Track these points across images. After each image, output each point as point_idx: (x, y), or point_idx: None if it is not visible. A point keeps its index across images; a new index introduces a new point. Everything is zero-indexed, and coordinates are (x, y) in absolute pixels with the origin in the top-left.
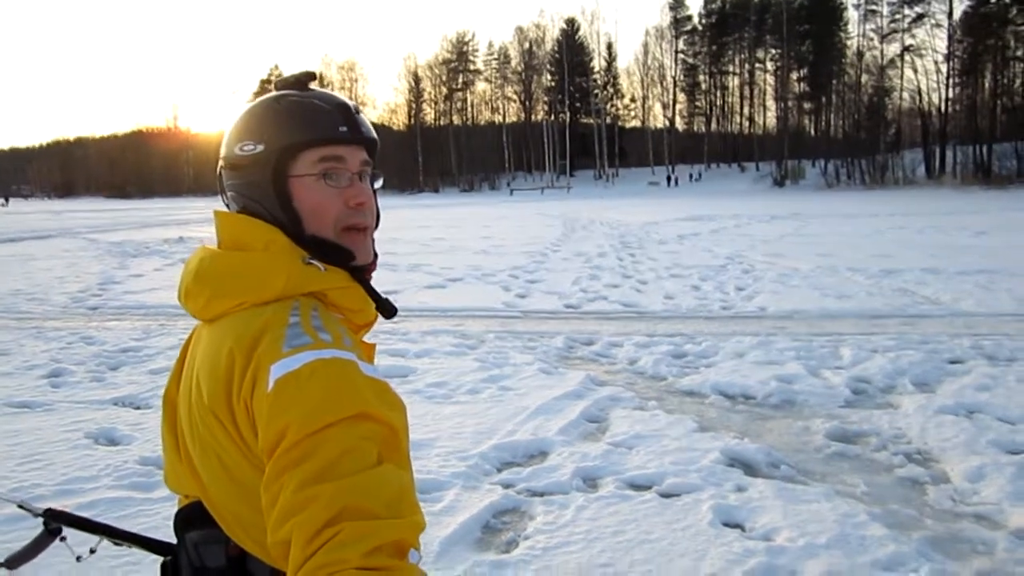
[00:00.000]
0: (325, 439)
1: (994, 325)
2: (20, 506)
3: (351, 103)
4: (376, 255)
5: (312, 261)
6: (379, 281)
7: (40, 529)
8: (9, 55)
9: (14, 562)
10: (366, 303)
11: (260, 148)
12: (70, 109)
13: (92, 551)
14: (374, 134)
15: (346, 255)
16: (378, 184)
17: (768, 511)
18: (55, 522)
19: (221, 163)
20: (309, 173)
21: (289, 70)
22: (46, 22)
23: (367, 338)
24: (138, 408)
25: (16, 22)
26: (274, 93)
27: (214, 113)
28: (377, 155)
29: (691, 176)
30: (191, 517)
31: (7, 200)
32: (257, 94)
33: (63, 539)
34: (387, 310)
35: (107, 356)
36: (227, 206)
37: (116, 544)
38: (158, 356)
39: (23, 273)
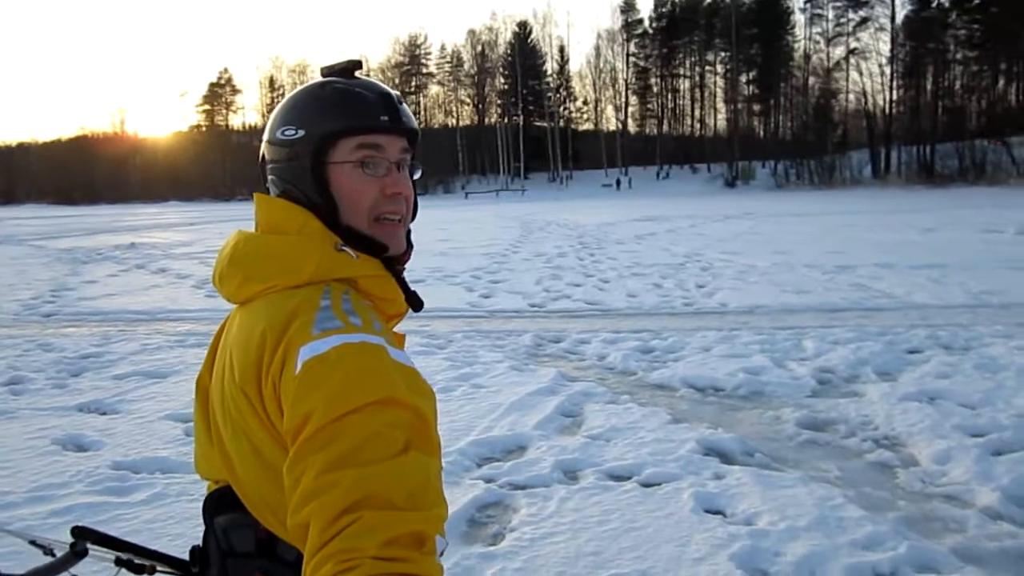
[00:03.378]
0: (350, 424)
1: (948, 316)
2: (32, 543)
3: (395, 93)
4: (411, 245)
5: (344, 248)
6: None
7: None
8: None
9: None
10: (397, 293)
11: (301, 133)
12: (10, 113)
13: None
14: (415, 124)
15: (378, 246)
16: (417, 174)
17: (748, 497)
18: (81, 538)
19: (264, 146)
20: (347, 160)
21: (238, 72)
22: None
23: (398, 328)
24: (104, 414)
25: None
26: (319, 80)
27: (161, 116)
28: (418, 146)
29: (640, 178)
30: (221, 501)
31: None
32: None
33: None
34: (415, 302)
35: (68, 363)
36: (268, 190)
37: (137, 568)
38: (121, 362)
39: None
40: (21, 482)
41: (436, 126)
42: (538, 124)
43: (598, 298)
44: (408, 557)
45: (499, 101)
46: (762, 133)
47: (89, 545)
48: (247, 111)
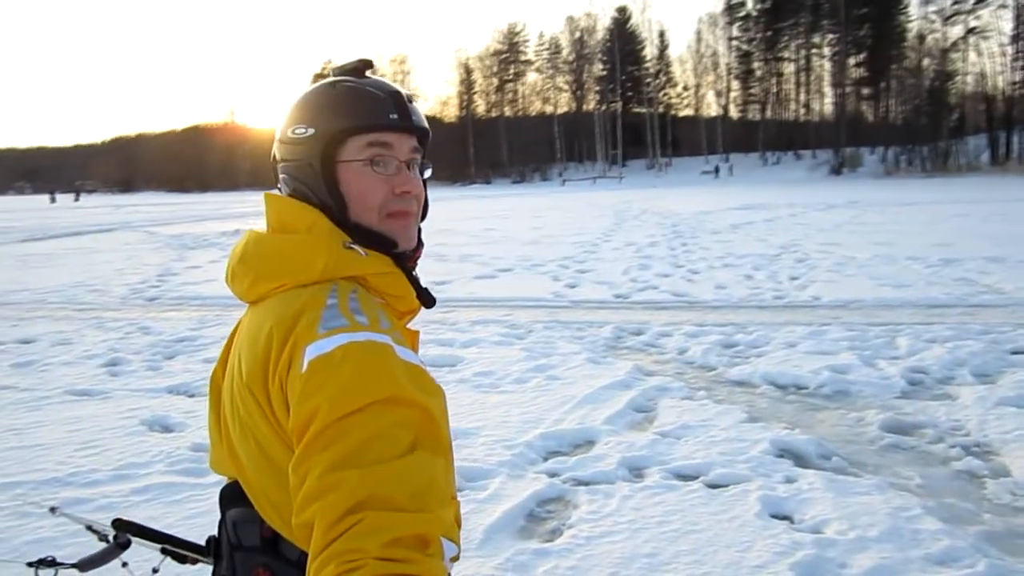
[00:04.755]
0: (354, 424)
1: None
2: (89, 528)
3: (405, 91)
4: (422, 243)
5: (353, 246)
6: (430, 271)
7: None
8: (74, 54)
9: (86, 565)
10: (408, 290)
11: (311, 132)
12: (131, 107)
13: (155, 571)
14: (425, 123)
15: (388, 242)
16: (427, 174)
17: (818, 503)
18: (122, 531)
19: (275, 146)
20: (357, 159)
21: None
22: (110, 23)
23: (411, 325)
24: (192, 396)
25: (82, 24)
26: (330, 79)
27: (268, 108)
28: (428, 145)
29: (741, 165)
30: (232, 495)
31: (78, 196)
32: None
33: (124, 565)
34: (426, 299)
35: (163, 346)
36: (279, 189)
37: (179, 560)
38: (212, 345)
39: (86, 265)
40: (107, 460)
41: (533, 113)
42: (636, 110)
43: (685, 289)
44: (411, 558)
45: (597, 88)
46: (871, 118)
47: (131, 537)
48: None
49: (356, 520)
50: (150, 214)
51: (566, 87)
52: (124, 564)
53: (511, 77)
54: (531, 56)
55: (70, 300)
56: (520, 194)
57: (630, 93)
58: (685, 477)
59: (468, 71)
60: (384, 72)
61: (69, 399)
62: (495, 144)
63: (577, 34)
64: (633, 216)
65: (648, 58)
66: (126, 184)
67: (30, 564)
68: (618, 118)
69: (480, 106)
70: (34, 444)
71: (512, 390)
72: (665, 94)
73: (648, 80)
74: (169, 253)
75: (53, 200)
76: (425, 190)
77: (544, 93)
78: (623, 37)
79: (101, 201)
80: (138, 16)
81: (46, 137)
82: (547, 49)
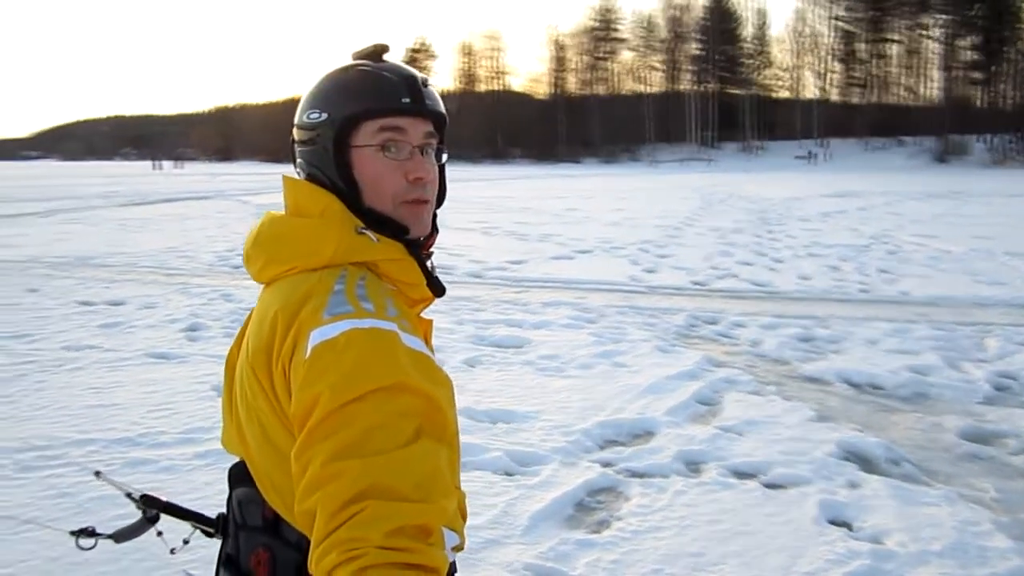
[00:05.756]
0: (357, 412)
1: None
2: (128, 495)
3: (420, 75)
4: (436, 229)
5: (365, 231)
6: (508, 250)
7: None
8: (182, 27)
9: (120, 537)
10: (419, 277)
11: (324, 116)
12: (233, 78)
13: (186, 542)
14: (441, 108)
15: (400, 229)
16: (444, 159)
17: (880, 511)
18: (149, 507)
19: (293, 130)
20: (369, 144)
21: (436, 40)
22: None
23: (426, 313)
24: None
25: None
26: (345, 63)
27: None
28: (446, 130)
29: (839, 150)
30: (240, 475)
31: (179, 163)
32: (406, 61)
33: (160, 534)
34: (436, 288)
35: (242, 312)
36: (297, 173)
37: (207, 534)
38: None
39: (178, 231)
40: (176, 423)
41: (625, 93)
42: (731, 91)
43: (766, 279)
44: (413, 547)
45: (691, 67)
46: (980, 103)
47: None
48: (443, 76)
49: (358, 509)
50: (245, 183)
51: (659, 66)
52: (159, 533)
53: (604, 55)
54: (625, 34)
55: (160, 265)
56: (608, 174)
57: (725, 73)
58: (743, 475)
59: (560, 48)
60: (476, 49)
61: (148, 361)
62: (585, 123)
63: (673, 12)
64: (720, 200)
65: (745, 38)
66: (225, 153)
67: (72, 533)
68: (712, 99)
69: (571, 84)
70: (111, 403)
71: (576, 375)
72: (762, 75)
73: (744, 60)
74: (258, 222)
75: (156, 167)
76: (443, 175)
77: (637, 72)
78: (720, 16)
79: (200, 169)
80: None
81: (152, 105)
82: (641, 27)
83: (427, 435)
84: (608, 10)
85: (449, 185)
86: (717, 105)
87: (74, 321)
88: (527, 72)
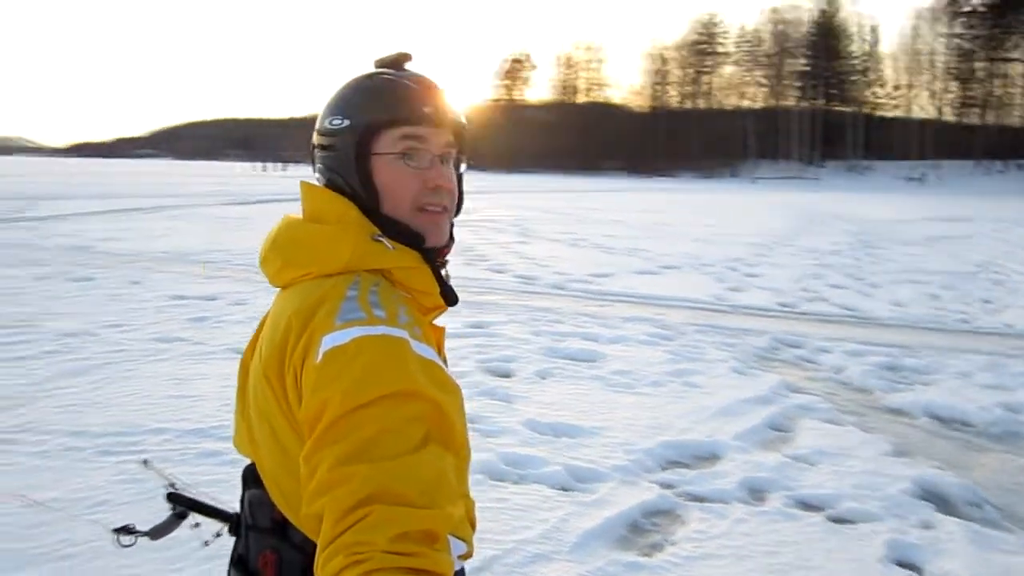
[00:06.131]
0: (365, 417)
1: None
2: (171, 486)
3: (441, 85)
4: (453, 239)
5: (380, 238)
6: (593, 262)
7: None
8: (287, 32)
9: (155, 533)
10: (433, 286)
11: (346, 123)
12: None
13: (218, 535)
14: (461, 118)
15: (418, 238)
16: (463, 168)
17: (953, 556)
18: (176, 504)
19: (314, 136)
20: (390, 152)
21: (537, 53)
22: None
23: (439, 321)
24: None
25: (301, 5)
26: (367, 71)
27: (466, 90)
28: (465, 139)
29: (952, 173)
30: (253, 476)
31: (286, 166)
32: (507, 73)
33: (197, 525)
34: (449, 297)
35: None
36: (317, 179)
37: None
38: None
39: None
40: None
41: (727, 107)
42: (838, 108)
43: (857, 304)
44: (418, 552)
45: (797, 83)
46: None
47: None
48: (542, 87)
49: (365, 514)
50: None
51: (764, 81)
52: (196, 525)
53: (705, 69)
54: (729, 48)
55: (253, 263)
56: (704, 189)
57: (832, 90)
58: (808, 507)
59: (662, 61)
60: (577, 60)
61: (232, 356)
62: (684, 137)
63: (779, 26)
64: (820, 220)
65: (855, 53)
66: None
67: (114, 530)
68: (817, 116)
69: (672, 97)
70: (190, 395)
71: (646, 392)
72: (872, 92)
73: (854, 77)
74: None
75: (263, 169)
76: (460, 185)
77: (739, 87)
78: (829, 31)
79: (303, 172)
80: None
81: (259, 109)
82: (746, 41)
83: (435, 441)
84: (712, 24)
85: (543, 196)
86: (822, 122)
87: (167, 313)
88: (626, 84)
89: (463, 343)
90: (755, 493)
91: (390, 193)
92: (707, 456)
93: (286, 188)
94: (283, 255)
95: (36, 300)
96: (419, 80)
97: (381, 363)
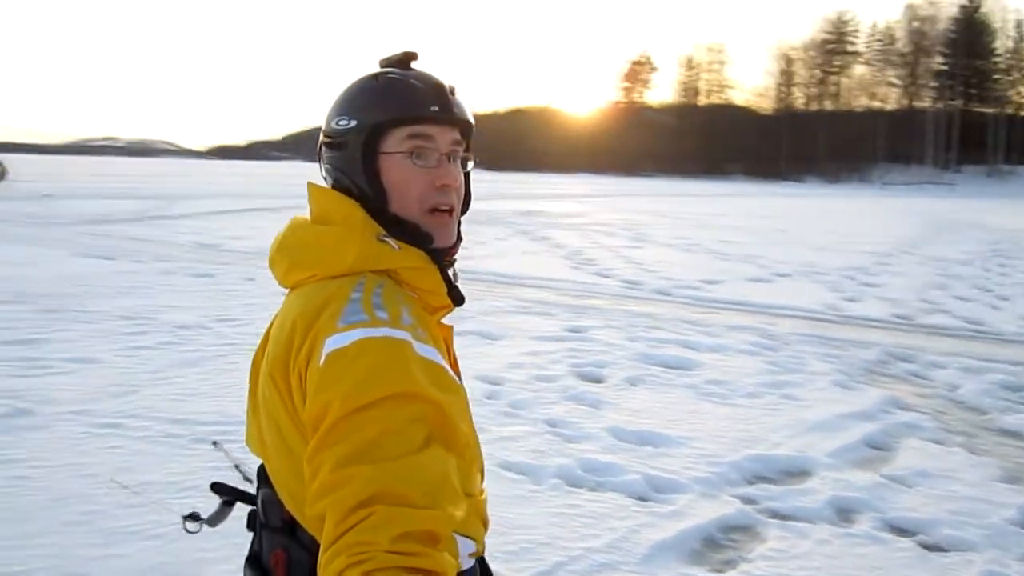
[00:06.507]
0: (367, 419)
1: None
2: (236, 467)
3: (448, 83)
4: (460, 238)
5: (386, 239)
6: (705, 269)
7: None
8: (414, 37)
9: (212, 521)
10: (440, 286)
11: (353, 123)
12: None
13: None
14: (469, 116)
15: (426, 238)
16: (470, 167)
17: None
18: (219, 494)
19: (321, 136)
20: (398, 151)
21: (657, 53)
22: (444, 13)
23: (447, 320)
24: None
25: (414, 12)
26: (374, 71)
27: (583, 92)
28: (472, 138)
29: None
30: (265, 475)
31: None
32: (625, 75)
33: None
34: (455, 297)
35: None
36: (324, 179)
37: None
38: (468, 320)
39: None
40: None
41: (856, 109)
42: (978, 109)
43: (982, 317)
44: (420, 552)
45: (933, 83)
46: None
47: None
48: (662, 89)
49: (367, 514)
50: None
51: (897, 81)
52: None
53: (834, 69)
54: (860, 47)
55: None
56: (830, 195)
57: (972, 90)
58: (900, 531)
59: (788, 61)
60: (699, 61)
61: None
62: (809, 140)
63: (916, 24)
64: (951, 228)
65: (999, 50)
66: None
67: (184, 516)
68: (955, 117)
69: (797, 99)
70: None
71: (739, 403)
72: (1016, 92)
73: (996, 75)
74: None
75: None
76: (467, 184)
77: (870, 87)
78: (971, 26)
79: None
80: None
81: None
82: (879, 40)
83: (437, 443)
84: (843, 22)
85: (659, 199)
86: (959, 124)
87: (273, 312)
88: (750, 86)
89: (557, 347)
90: (843, 513)
91: (398, 192)
92: (796, 472)
93: None
94: (290, 257)
95: (158, 293)
96: (425, 78)
97: (383, 365)
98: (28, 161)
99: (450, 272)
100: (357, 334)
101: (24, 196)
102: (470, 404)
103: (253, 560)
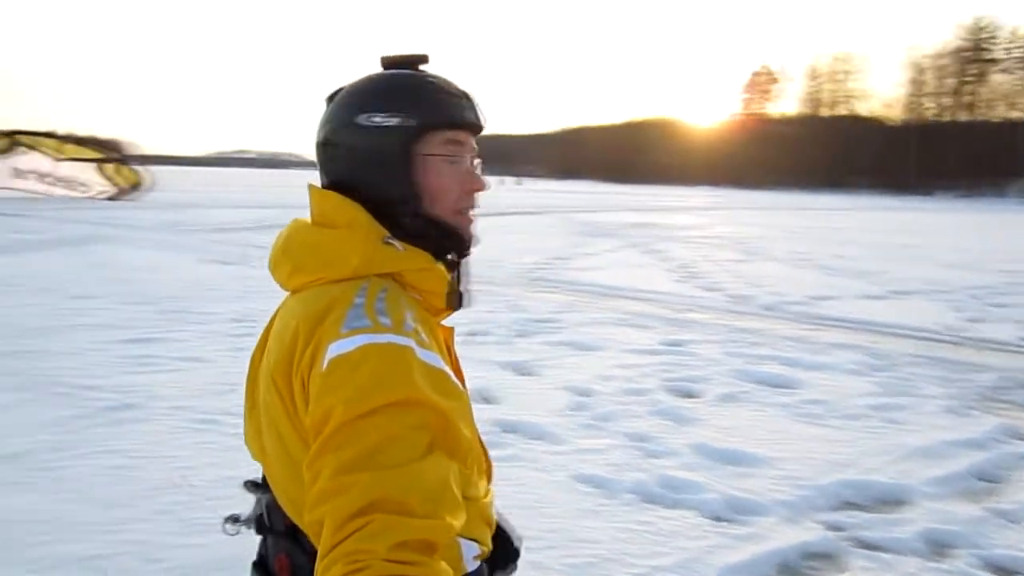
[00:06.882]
0: (368, 426)
1: None
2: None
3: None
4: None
5: (391, 241)
6: (817, 283)
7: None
8: (526, 52)
9: (250, 522)
10: (444, 287)
11: (394, 120)
12: (578, 100)
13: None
14: (486, 124)
15: (459, 238)
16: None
17: None
18: (254, 491)
19: (329, 131)
20: (439, 153)
21: (784, 63)
22: (575, 24)
23: (447, 322)
24: (522, 374)
25: (541, 25)
26: (408, 71)
27: (703, 104)
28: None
29: None
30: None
31: (521, 180)
32: (747, 87)
33: None
34: (453, 302)
35: (521, 324)
36: (322, 179)
37: None
38: (564, 330)
39: (496, 242)
40: None
41: (994, 119)
42: None
43: None
44: (417, 560)
45: None
46: None
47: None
48: (787, 100)
49: (365, 522)
50: (576, 200)
51: None
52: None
53: (970, 78)
54: (998, 54)
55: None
56: (962, 209)
57: None
58: (999, 569)
59: (919, 70)
60: (822, 71)
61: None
62: (941, 152)
63: None
64: None
65: None
66: (568, 172)
67: (225, 518)
68: None
69: (929, 109)
70: None
71: (836, 425)
72: None
73: None
74: (572, 238)
75: (499, 182)
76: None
77: (1010, 96)
78: None
79: (541, 186)
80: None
81: (504, 126)
82: (1019, 47)
83: (439, 449)
84: (980, 28)
85: (780, 213)
86: None
87: None
88: (878, 96)
89: (651, 360)
90: (936, 547)
91: (434, 194)
92: (890, 500)
93: (519, 201)
94: (293, 260)
95: (268, 298)
96: (453, 84)
97: (385, 371)
98: (171, 172)
99: (461, 272)
100: (360, 340)
101: (163, 205)
102: (472, 408)
103: (260, 565)
